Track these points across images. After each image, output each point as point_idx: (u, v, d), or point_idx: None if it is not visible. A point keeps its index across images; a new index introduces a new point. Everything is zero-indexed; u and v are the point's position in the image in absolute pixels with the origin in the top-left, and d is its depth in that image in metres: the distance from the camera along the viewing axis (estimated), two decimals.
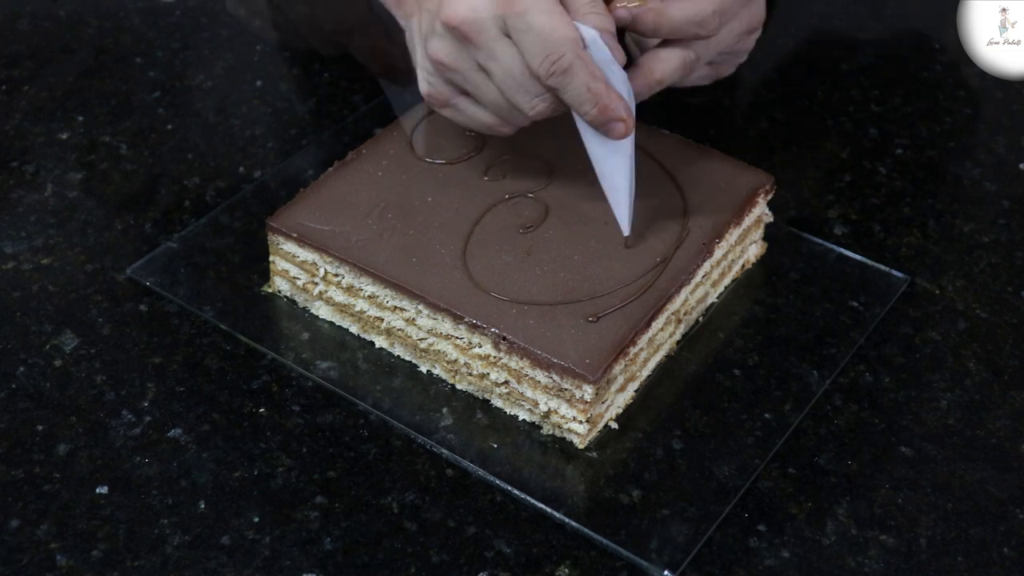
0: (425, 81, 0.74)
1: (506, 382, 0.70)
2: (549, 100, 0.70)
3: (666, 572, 0.64)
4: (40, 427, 0.70)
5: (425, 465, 0.69)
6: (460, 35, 0.69)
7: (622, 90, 0.70)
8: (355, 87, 0.96)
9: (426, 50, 0.72)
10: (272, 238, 0.76)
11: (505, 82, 0.70)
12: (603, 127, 0.70)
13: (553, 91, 0.69)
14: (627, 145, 0.71)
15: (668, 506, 0.66)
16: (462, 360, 0.71)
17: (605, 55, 0.69)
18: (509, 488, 0.67)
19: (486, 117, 0.73)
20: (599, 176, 0.73)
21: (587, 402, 0.67)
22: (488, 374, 0.71)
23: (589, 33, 0.68)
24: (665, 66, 0.72)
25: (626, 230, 0.74)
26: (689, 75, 0.74)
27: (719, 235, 0.75)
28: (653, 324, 0.71)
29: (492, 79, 0.70)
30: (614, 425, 0.70)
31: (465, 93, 0.73)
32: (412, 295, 0.71)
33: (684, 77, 0.74)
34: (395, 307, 0.73)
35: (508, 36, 0.68)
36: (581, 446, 0.69)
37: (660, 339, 0.73)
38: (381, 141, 0.81)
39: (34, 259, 0.81)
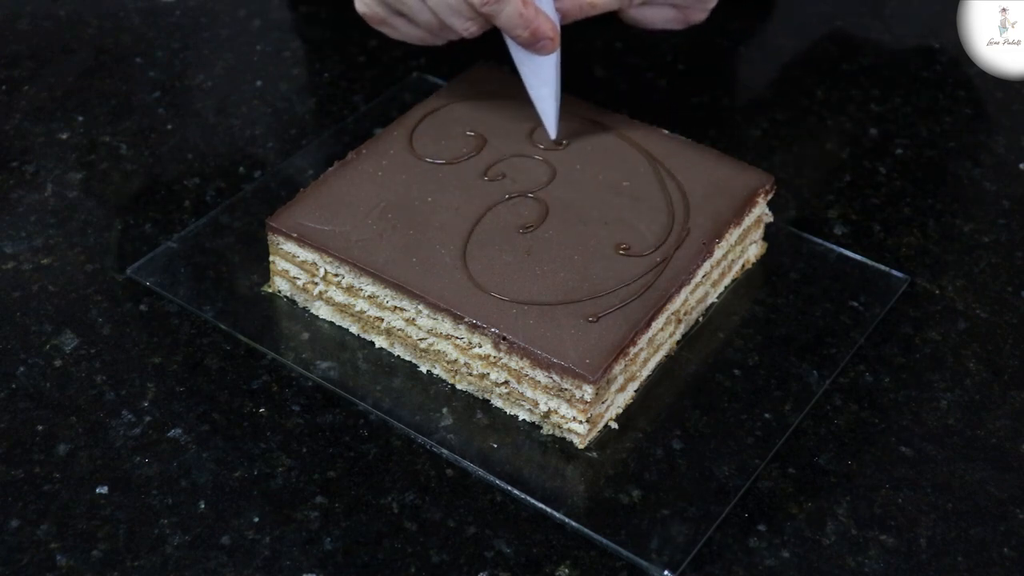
0: (361, 1, 0.78)
1: (506, 382, 0.70)
2: (481, 23, 0.74)
3: (666, 572, 0.64)
4: (40, 427, 0.70)
5: (425, 465, 0.69)
6: (369, 10, 0.74)
7: (548, 10, 0.74)
8: (355, 87, 0.96)
9: None
10: (272, 238, 0.76)
11: (439, 7, 0.74)
12: (533, 48, 0.74)
13: (486, 17, 0.73)
14: (553, 57, 0.76)
15: (668, 506, 0.66)
16: (462, 360, 0.71)
17: None
18: (509, 488, 0.67)
19: (419, 33, 0.78)
20: (527, 87, 0.79)
21: (587, 402, 0.67)
22: (488, 374, 0.71)
23: None
24: None
25: (552, 134, 0.80)
26: (629, 5, 0.77)
27: (719, 235, 0.75)
28: (653, 324, 0.71)
29: (426, 3, 0.74)
30: (614, 425, 0.71)
31: (400, 13, 0.77)
32: (412, 295, 0.71)
33: (624, 6, 0.77)
34: (395, 307, 0.73)
35: None
36: (581, 446, 0.69)
37: (660, 339, 0.73)
38: (381, 141, 0.81)
39: (34, 259, 0.81)
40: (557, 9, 0.75)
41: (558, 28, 0.75)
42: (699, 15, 0.80)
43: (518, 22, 0.73)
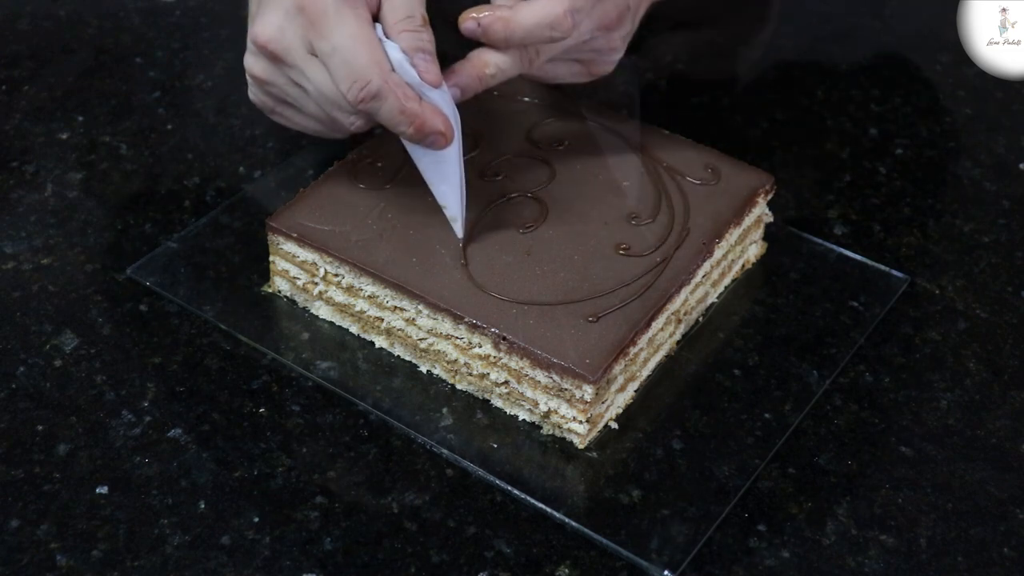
0: (249, 89, 0.76)
1: (506, 382, 0.70)
2: (366, 118, 0.70)
3: (666, 572, 0.64)
4: (40, 427, 0.70)
5: (425, 465, 0.69)
6: (269, 54, 0.70)
7: (441, 102, 0.69)
8: None
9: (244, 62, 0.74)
10: (272, 238, 0.76)
11: (320, 100, 0.71)
12: (422, 142, 0.70)
13: (365, 114, 0.69)
14: (453, 153, 0.71)
15: (668, 506, 0.66)
16: (462, 360, 0.71)
17: (413, 78, 0.68)
18: (509, 488, 0.67)
19: (314, 125, 0.75)
20: (429, 184, 0.73)
21: (587, 402, 0.67)
22: (488, 374, 0.71)
23: (396, 55, 0.68)
24: (499, 59, 0.72)
25: (460, 233, 0.73)
26: (530, 67, 0.73)
27: (719, 235, 0.75)
28: (653, 324, 0.71)
29: (309, 95, 0.71)
30: (614, 425, 0.70)
31: (287, 103, 0.74)
32: (412, 295, 0.71)
33: (524, 69, 0.73)
34: (395, 307, 0.73)
35: (317, 55, 0.69)
36: (581, 446, 0.69)
37: (660, 339, 0.73)
38: (381, 141, 0.81)
39: (34, 259, 0.81)
40: (454, 86, 0.71)
41: (455, 120, 0.70)
42: (605, 67, 0.78)
43: (400, 119, 0.68)
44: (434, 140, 0.69)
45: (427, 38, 0.69)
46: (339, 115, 0.71)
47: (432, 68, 0.69)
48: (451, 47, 0.73)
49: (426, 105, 0.69)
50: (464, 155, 0.79)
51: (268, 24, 0.70)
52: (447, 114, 0.70)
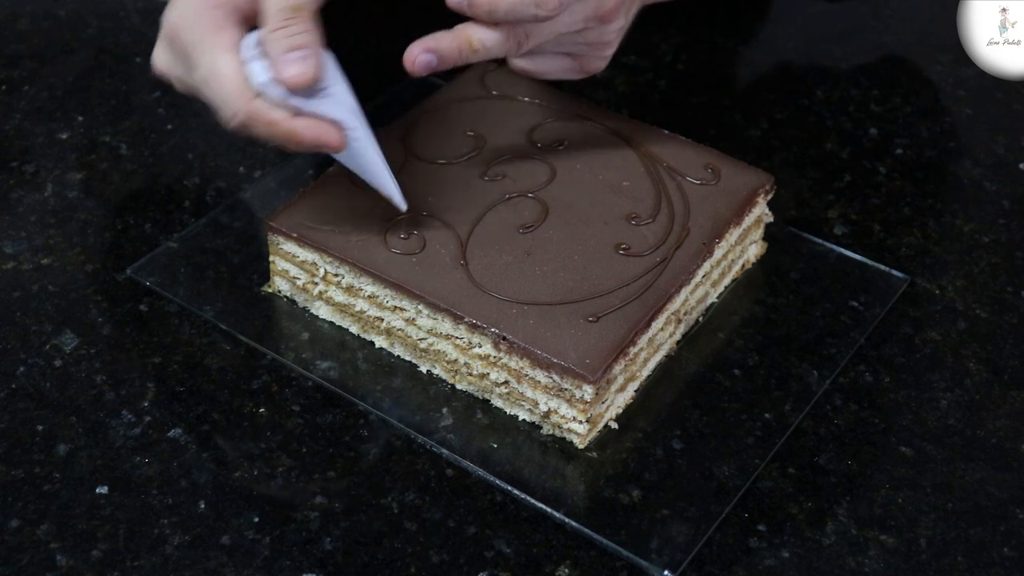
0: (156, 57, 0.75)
1: (506, 382, 0.70)
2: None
3: (666, 572, 0.64)
4: (40, 427, 0.70)
5: (425, 465, 0.69)
6: (167, 81, 0.73)
7: (325, 102, 0.67)
8: (355, 87, 0.96)
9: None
10: (272, 238, 0.76)
11: (211, 98, 0.69)
12: (316, 151, 0.69)
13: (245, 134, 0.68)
14: (364, 142, 0.70)
15: (668, 506, 0.66)
16: (462, 360, 0.71)
17: (284, 94, 0.66)
18: (509, 488, 0.67)
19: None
20: (358, 173, 0.72)
21: (587, 402, 0.67)
22: (488, 374, 0.71)
23: (260, 79, 0.66)
24: (484, 34, 0.70)
25: (403, 205, 0.73)
26: (517, 49, 0.72)
27: (719, 235, 0.75)
28: (653, 324, 0.71)
29: (205, 91, 0.69)
30: (614, 425, 0.71)
31: (188, 88, 0.73)
32: (412, 295, 0.71)
33: (511, 51, 0.72)
34: (395, 307, 0.73)
35: None
36: (581, 446, 0.69)
37: (660, 339, 0.73)
38: (380, 141, 0.81)
39: (34, 259, 0.81)
40: (431, 51, 0.69)
41: (351, 111, 0.68)
42: (597, 63, 0.77)
43: (276, 140, 0.67)
44: (323, 147, 0.68)
45: (298, 30, 0.65)
46: (223, 114, 0.69)
47: (300, 68, 0.65)
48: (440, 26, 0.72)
49: (299, 120, 0.66)
50: (464, 155, 0.80)
51: (158, 54, 0.73)
52: (332, 113, 0.67)
